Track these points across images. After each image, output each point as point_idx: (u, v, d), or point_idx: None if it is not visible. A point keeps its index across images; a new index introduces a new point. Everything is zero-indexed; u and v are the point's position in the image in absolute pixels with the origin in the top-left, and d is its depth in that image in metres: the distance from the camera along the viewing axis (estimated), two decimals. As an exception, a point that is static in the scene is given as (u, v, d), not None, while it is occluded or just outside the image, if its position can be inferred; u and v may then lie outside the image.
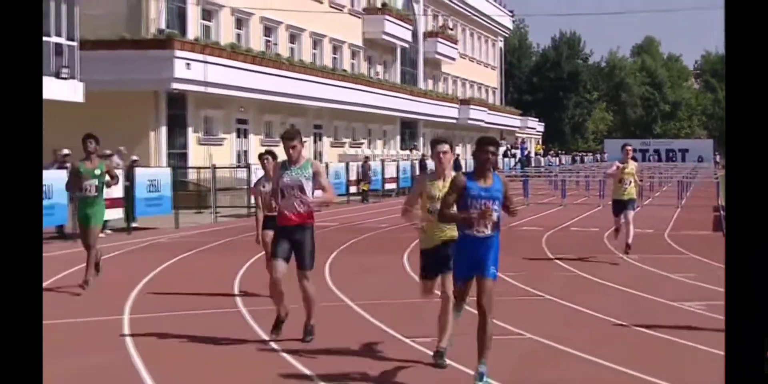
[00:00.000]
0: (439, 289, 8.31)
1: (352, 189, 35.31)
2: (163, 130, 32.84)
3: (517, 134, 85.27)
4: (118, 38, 31.05)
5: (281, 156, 9.69)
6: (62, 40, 27.40)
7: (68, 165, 16.16)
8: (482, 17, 74.77)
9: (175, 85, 31.85)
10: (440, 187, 8.09)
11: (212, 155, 33.86)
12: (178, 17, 34.31)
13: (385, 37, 52.29)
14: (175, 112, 33.52)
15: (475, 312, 7.36)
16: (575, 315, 10.99)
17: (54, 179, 17.99)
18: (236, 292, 12.69)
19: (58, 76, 26.81)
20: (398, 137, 57.20)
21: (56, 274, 14.06)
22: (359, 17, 50.78)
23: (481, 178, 7.39)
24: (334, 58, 48.06)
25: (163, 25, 32.73)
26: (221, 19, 37.18)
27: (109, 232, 21.48)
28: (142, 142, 31.39)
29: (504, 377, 7.68)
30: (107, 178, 13.29)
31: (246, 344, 9.11)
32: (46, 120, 18.13)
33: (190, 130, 34.46)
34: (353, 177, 35.50)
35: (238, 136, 37.65)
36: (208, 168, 28.00)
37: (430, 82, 64.72)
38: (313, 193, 9.10)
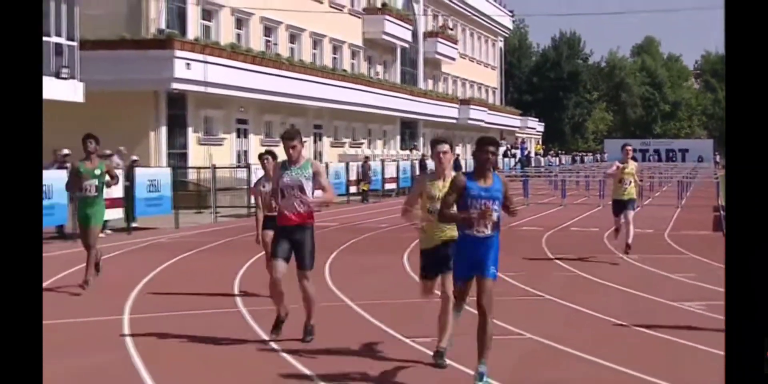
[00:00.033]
0: (438, 289, 8.30)
1: (352, 189, 35.33)
2: (163, 130, 32.85)
3: (517, 134, 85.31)
4: (118, 38, 31.07)
5: (281, 156, 9.68)
6: (62, 40, 27.42)
7: (68, 165, 16.14)
8: (482, 17, 74.81)
9: (175, 85, 31.87)
10: (440, 187, 8.08)
11: (212, 155, 33.89)
12: (178, 17, 34.34)
13: (385, 37, 52.31)
14: (175, 112, 33.54)
15: (475, 312, 7.36)
16: (575, 315, 11.00)
17: (54, 179, 18.00)
18: (236, 292, 12.68)
19: (58, 76, 26.84)
20: (398, 137, 57.22)
21: (56, 274, 14.06)
22: (359, 17, 50.81)
23: (481, 178, 7.38)
24: (334, 58, 48.08)
25: (163, 25, 32.75)
26: (221, 19, 37.21)
27: (109, 232, 21.49)
28: (142, 142, 31.41)
29: (504, 377, 7.68)
30: (107, 178, 13.26)
31: (246, 344, 9.10)
32: (46, 120, 18.06)
33: (190, 130, 34.48)
34: (353, 177, 35.51)
35: (238, 136, 37.68)
36: (208, 168, 28.01)
37: (430, 82, 64.75)
38: (313, 193, 9.09)
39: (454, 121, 64.15)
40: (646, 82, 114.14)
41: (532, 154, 76.30)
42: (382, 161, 40.06)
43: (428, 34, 61.48)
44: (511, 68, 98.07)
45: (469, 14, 71.35)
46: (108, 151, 23.10)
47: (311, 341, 9.16)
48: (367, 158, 37.92)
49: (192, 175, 30.56)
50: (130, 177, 22.18)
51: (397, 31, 53.47)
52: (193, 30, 34.89)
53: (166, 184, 23.78)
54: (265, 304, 10.07)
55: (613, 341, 9.42)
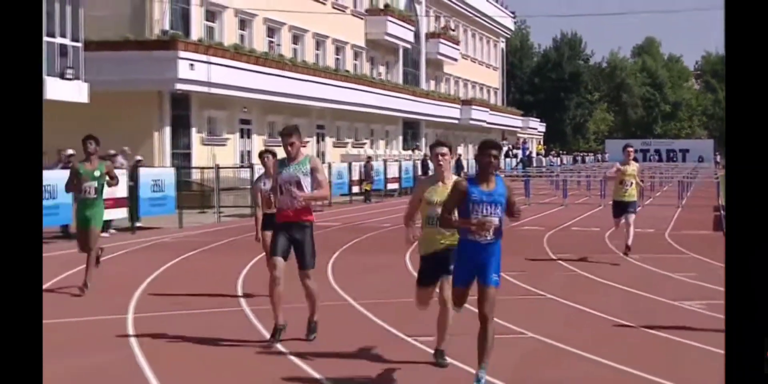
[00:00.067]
0: (437, 295, 8.25)
1: (355, 189, 35.34)
2: (167, 130, 32.98)
3: (519, 134, 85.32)
4: (123, 39, 31.19)
5: (282, 155, 9.66)
6: (67, 41, 27.52)
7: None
8: (484, 18, 74.86)
9: (179, 86, 31.99)
10: (439, 192, 8.04)
11: (216, 155, 33.99)
12: (182, 18, 34.47)
13: (387, 37, 52.43)
14: (178, 113, 33.66)
15: (476, 310, 7.32)
16: (576, 314, 11.02)
17: (58, 179, 18.04)
18: (239, 291, 12.68)
19: (62, 76, 26.96)
20: (400, 137, 57.29)
21: (60, 273, 14.06)
22: (362, 18, 50.90)
23: (484, 182, 7.30)
24: (337, 58, 48.20)
25: (166, 26, 32.90)
26: (225, 20, 37.33)
27: (113, 231, 21.59)
28: (146, 142, 31.56)
29: (506, 376, 7.71)
30: (108, 179, 13.12)
31: (249, 343, 9.11)
32: (51, 120, 18.17)
33: (193, 130, 34.62)
34: (356, 177, 35.48)
35: (242, 137, 37.76)
36: (212, 168, 28.05)
37: (432, 82, 64.81)
38: (311, 190, 9.03)
39: (456, 121, 64.23)
40: (647, 82, 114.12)
41: (534, 155, 76.32)
42: (385, 161, 40.07)
43: (430, 35, 61.56)
44: (512, 69, 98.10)
45: (470, 15, 71.40)
46: (112, 151, 23.29)
47: (314, 339, 9.17)
48: (369, 158, 37.96)
49: (196, 175, 30.68)
50: (134, 177, 22.21)
51: (399, 32, 53.59)
52: (197, 31, 35.02)
53: (170, 184, 23.82)
54: (268, 303, 9.99)
55: (614, 340, 9.44)
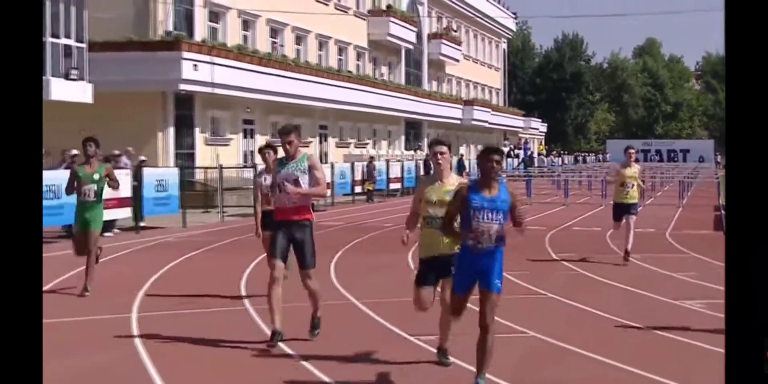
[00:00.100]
0: (438, 296, 8.20)
1: (357, 189, 35.41)
2: (171, 130, 33.08)
3: (521, 135, 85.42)
4: (127, 40, 31.28)
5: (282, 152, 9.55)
6: (71, 42, 27.65)
7: (76, 166, 16.12)
8: (485, 19, 74.93)
9: (183, 86, 32.07)
10: (437, 191, 8.01)
11: (219, 155, 34.04)
12: (186, 19, 34.56)
13: (389, 38, 52.52)
14: (182, 113, 33.74)
15: (477, 309, 7.28)
16: (578, 313, 11.06)
17: (63, 179, 17.95)
18: (243, 290, 12.69)
19: (67, 77, 27.08)
20: (403, 137, 57.36)
21: (64, 273, 14.02)
22: (364, 19, 50.97)
23: (486, 187, 7.18)
24: (340, 59, 48.27)
25: (170, 27, 32.95)
26: (228, 21, 37.40)
27: (117, 231, 21.66)
28: (150, 142, 31.62)
29: (507, 375, 7.73)
30: (108, 181, 12.91)
31: (252, 342, 9.09)
32: (56, 120, 18.37)
33: (197, 130, 34.69)
34: (358, 177, 35.54)
35: (245, 137, 37.82)
36: (215, 168, 28.13)
37: (435, 83, 64.89)
38: (310, 188, 8.98)
39: (458, 121, 64.31)
40: (648, 83, 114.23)
41: (535, 155, 76.39)
42: (387, 161, 40.16)
43: (432, 36, 61.65)
44: (514, 69, 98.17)
45: (472, 16, 71.48)
46: (116, 152, 23.41)
47: (318, 335, 9.18)
48: (371, 158, 38.08)
49: (199, 175, 30.70)
50: (138, 177, 22.27)
51: (401, 32, 53.66)
52: (201, 32, 35.09)
53: (174, 183, 23.89)
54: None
55: (615, 339, 9.47)
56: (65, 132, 22.84)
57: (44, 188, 17.37)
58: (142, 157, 25.61)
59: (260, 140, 38.62)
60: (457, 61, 66.23)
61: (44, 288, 12.57)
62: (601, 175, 42.44)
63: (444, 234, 7.61)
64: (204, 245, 19.05)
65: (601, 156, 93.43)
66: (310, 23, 43.43)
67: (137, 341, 9.29)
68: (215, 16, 36.99)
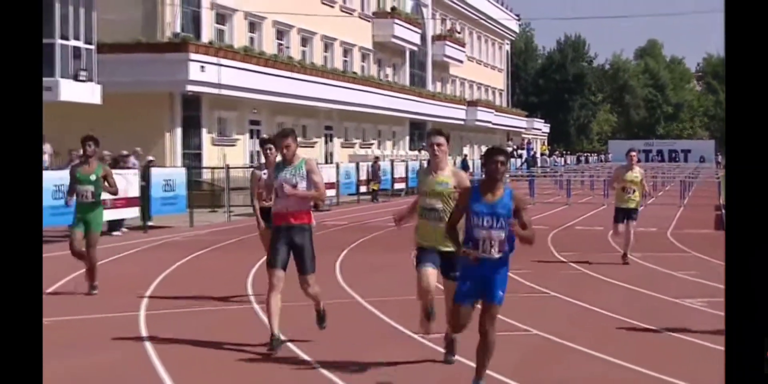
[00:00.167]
0: (439, 287, 8.17)
1: (363, 188, 35.57)
2: (178, 131, 33.26)
3: (523, 135, 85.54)
4: (135, 42, 31.47)
5: None
6: (80, 44, 27.87)
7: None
8: (489, 21, 75.05)
9: (190, 87, 32.29)
10: (428, 182, 7.97)
11: (226, 155, 34.15)
12: (193, 21, 34.76)
13: (394, 40, 52.66)
14: (189, 114, 33.92)
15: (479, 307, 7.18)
16: (580, 312, 11.11)
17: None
18: (249, 289, 12.68)
19: (76, 78, 27.29)
20: (407, 138, 57.54)
21: (70, 272, 13.82)
22: (369, 21, 51.13)
23: (489, 191, 6.95)
24: (345, 60, 48.41)
25: (178, 29, 33.15)
26: (235, 23, 37.56)
27: (125, 230, 21.86)
28: (157, 142, 31.82)
29: (510, 372, 7.74)
30: (107, 185, 12.54)
31: (258, 340, 8.99)
32: (65, 121, 18.65)
33: (204, 131, 34.85)
34: (363, 177, 35.70)
35: (251, 137, 37.82)
36: (222, 168, 28.16)
37: (438, 84, 65.03)
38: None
39: (462, 122, 64.39)
40: (649, 84, 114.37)
41: (538, 155, 76.50)
42: (392, 161, 40.37)
43: (436, 38, 61.81)
44: (517, 70, 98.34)
45: (476, 18, 71.56)
46: (125, 152, 23.63)
47: (325, 328, 9.10)
48: (376, 158, 38.19)
49: (206, 175, 30.90)
50: (146, 177, 22.41)
51: (406, 34, 53.80)
52: (208, 33, 35.24)
53: (181, 183, 24.03)
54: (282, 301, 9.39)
55: (617, 337, 9.52)
56: (74, 132, 22.92)
57: (53, 188, 17.55)
58: (150, 158, 25.76)
59: (266, 140, 38.84)
60: (461, 62, 66.38)
61: (52, 286, 12.78)
62: (603, 175, 42.60)
63: (448, 238, 7.44)
64: (211, 244, 19.16)
65: (603, 156, 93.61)
66: (315, 25, 43.57)
67: (145, 339, 9.34)
68: (222, 18, 37.14)
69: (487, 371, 7.19)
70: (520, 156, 68.55)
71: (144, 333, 9.71)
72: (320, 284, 9.18)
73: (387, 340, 9.30)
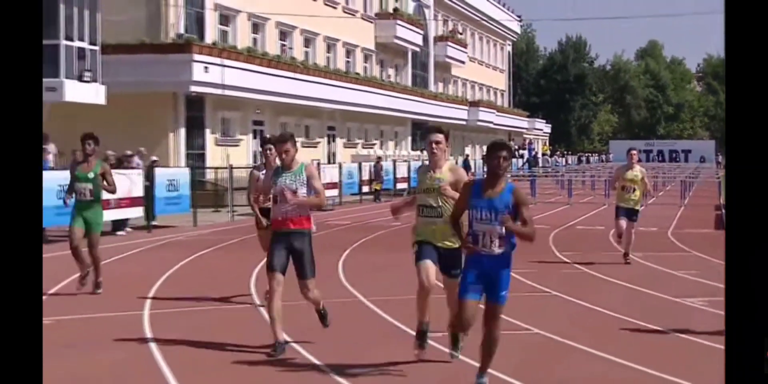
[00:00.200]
0: (439, 285, 8.19)
1: (365, 188, 35.60)
2: (182, 131, 33.33)
3: (525, 135, 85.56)
4: (139, 43, 31.53)
5: None
6: (85, 45, 27.91)
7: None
8: (491, 22, 75.10)
9: (194, 88, 32.39)
10: (425, 180, 7.99)
11: (229, 155, 34.20)
12: (197, 22, 34.79)
13: (396, 41, 52.74)
14: (193, 114, 33.99)
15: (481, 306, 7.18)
16: (581, 311, 11.15)
17: (74, 179, 18.48)
18: (253, 288, 12.68)
19: (80, 79, 27.33)
20: (409, 138, 57.59)
21: (74, 271, 13.31)
22: (371, 22, 51.20)
23: (490, 187, 6.88)
24: (347, 61, 48.46)
25: (181, 30, 33.20)
26: (238, 24, 37.63)
27: (129, 229, 21.94)
28: (161, 143, 31.90)
29: (511, 371, 7.75)
30: (105, 183, 12.41)
31: (261, 340, 8.95)
32: (69, 121, 18.63)
33: (207, 131, 34.90)
34: (366, 177, 35.73)
35: (255, 137, 37.79)
36: (226, 168, 28.26)
37: (441, 84, 65.09)
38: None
39: (464, 122, 64.44)
40: (650, 84, 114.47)
41: (540, 155, 76.57)
42: (394, 161, 40.43)
43: (438, 38, 61.90)
44: (518, 71, 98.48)
45: (478, 19, 71.60)
46: (129, 152, 23.73)
47: (329, 326, 9.05)
48: (379, 158, 38.34)
49: (210, 175, 30.87)
50: (150, 177, 22.48)
51: (408, 35, 53.87)
52: (211, 34, 35.31)
53: (185, 183, 24.11)
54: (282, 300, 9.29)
55: (618, 337, 9.54)
56: (78, 133, 22.95)
57: (57, 188, 17.64)
58: (154, 158, 25.90)
59: (270, 141, 38.90)
60: (463, 63, 66.43)
61: (56, 286, 12.85)
62: (604, 175, 42.68)
63: (453, 232, 7.51)
64: (214, 244, 19.22)
65: (604, 156, 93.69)
66: (318, 26, 43.62)
67: (148, 338, 9.39)
68: (225, 19, 37.20)
69: (489, 370, 7.21)
70: (522, 156, 68.61)
71: (147, 332, 9.76)
72: (322, 284, 9.19)
73: (389, 339, 9.32)
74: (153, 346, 8.99)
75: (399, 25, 52.36)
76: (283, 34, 41.72)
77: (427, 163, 8.59)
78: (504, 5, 79.51)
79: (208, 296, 12.11)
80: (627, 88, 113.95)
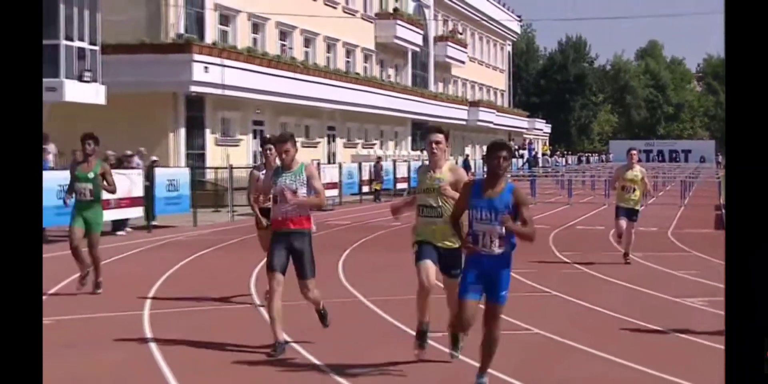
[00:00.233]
0: (439, 285, 8.20)
1: (365, 188, 35.63)
2: (182, 131, 33.36)
3: (525, 135, 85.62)
4: (139, 43, 31.55)
5: None
6: (85, 45, 27.93)
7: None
8: (491, 22, 75.16)
9: (194, 88, 32.42)
10: (425, 181, 8.01)
11: (229, 155, 34.23)
12: (197, 22, 34.82)
13: (396, 41, 52.78)
14: (193, 114, 34.02)
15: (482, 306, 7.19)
16: (581, 311, 11.16)
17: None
18: (253, 288, 12.68)
19: (80, 79, 27.35)
20: (409, 138, 57.63)
21: (75, 271, 13.28)
22: (372, 22, 51.24)
23: (490, 187, 6.89)
24: (347, 61, 48.50)
25: (182, 30, 33.23)
26: (238, 24, 37.66)
27: (129, 229, 21.96)
28: (161, 143, 31.92)
29: (511, 371, 7.75)
30: (105, 183, 12.41)
31: (261, 339, 8.96)
32: (69, 121, 18.58)
33: (207, 131, 34.93)
34: (366, 177, 35.76)
35: (255, 137, 37.85)
36: (226, 168, 28.30)
37: (441, 84, 65.14)
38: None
39: (464, 122, 64.49)
40: (650, 84, 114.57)
41: (540, 155, 76.63)
42: (394, 161, 40.47)
43: (438, 39, 61.95)
44: (518, 71, 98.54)
45: (478, 19, 71.65)
46: (129, 152, 23.74)
47: (329, 326, 9.05)
48: (379, 158, 38.38)
49: (210, 175, 30.90)
50: (150, 177, 22.49)
51: (408, 35, 53.92)
52: (211, 34, 35.34)
53: (185, 183, 24.13)
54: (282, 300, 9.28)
55: (618, 337, 9.55)
56: (79, 133, 22.97)
57: (57, 188, 17.65)
58: (154, 158, 25.92)
59: (270, 141, 38.91)
60: (463, 63, 66.47)
61: (56, 286, 12.86)
62: (604, 175, 42.71)
63: (453, 232, 7.54)
64: (214, 244, 19.24)
65: (604, 156, 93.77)
66: (318, 26, 43.66)
67: (148, 338, 9.41)
68: (225, 19, 37.23)
69: (489, 370, 7.21)
70: (522, 156, 68.66)
71: (147, 332, 9.77)
72: (322, 284, 9.18)
73: (389, 339, 9.33)
74: (153, 346, 8.99)
75: (399, 25, 52.40)
76: (283, 34, 41.76)
77: (427, 163, 8.59)
78: (504, 5, 79.57)
79: (208, 296, 12.12)
80: (627, 88, 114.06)
